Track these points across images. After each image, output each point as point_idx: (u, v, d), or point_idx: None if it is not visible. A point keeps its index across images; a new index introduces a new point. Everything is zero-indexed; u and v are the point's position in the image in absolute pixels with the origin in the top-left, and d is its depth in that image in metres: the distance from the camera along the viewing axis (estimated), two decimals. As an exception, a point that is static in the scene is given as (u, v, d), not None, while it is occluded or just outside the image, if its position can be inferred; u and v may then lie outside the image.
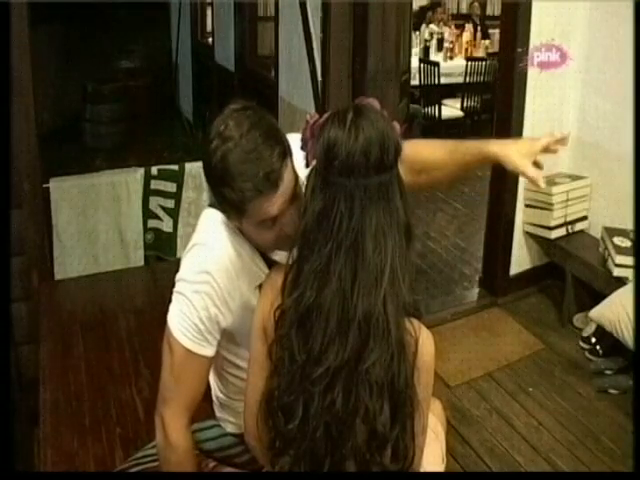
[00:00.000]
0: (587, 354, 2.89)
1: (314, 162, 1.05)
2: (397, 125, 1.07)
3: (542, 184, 1.36)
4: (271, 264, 1.33)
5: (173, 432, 1.26)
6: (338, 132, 1.01)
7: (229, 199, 1.17)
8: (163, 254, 2.90)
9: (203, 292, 1.24)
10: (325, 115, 1.06)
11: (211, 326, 1.26)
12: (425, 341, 1.08)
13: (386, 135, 1.02)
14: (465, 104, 5.64)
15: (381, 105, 1.10)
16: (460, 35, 6.46)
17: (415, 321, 1.07)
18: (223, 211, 1.26)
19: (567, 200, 3.16)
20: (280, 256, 1.33)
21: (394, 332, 1.02)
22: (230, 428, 1.51)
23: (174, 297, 1.28)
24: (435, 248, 4.00)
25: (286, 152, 1.18)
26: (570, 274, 3.10)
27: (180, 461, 1.27)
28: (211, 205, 1.35)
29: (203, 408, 1.54)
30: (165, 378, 1.28)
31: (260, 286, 1.31)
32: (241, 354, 1.39)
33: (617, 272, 2.79)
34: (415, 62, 5.44)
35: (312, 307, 1.03)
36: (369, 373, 1.01)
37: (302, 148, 1.08)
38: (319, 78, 3.08)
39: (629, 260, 2.76)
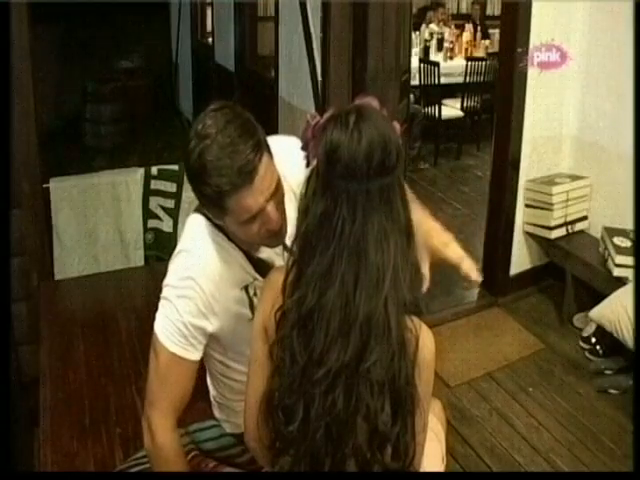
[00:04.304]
0: (587, 354, 2.89)
1: (314, 162, 1.05)
2: (397, 125, 1.07)
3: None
4: (256, 264, 1.35)
5: (159, 434, 1.27)
6: (341, 135, 1.00)
7: (208, 196, 1.18)
8: (163, 254, 2.90)
9: (187, 297, 1.26)
10: (326, 115, 1.06)
11: (195, 331, 1.27)
12: (425, 338, 1.08)
13: (388, 138, 1.02)
14: (465, 104, 5.63)
15: (381, 105, 1.10)
16: (460, 35, 6.45)
17: (415, 319, 1.07)
18: (207, 209, 1.27)
19: (567, 200, 3.16)
20: (266, 253, 1.35)
21: (395, 331, 1.02)
22: (229, 428, 1.52)
23: (160, 303, 1.29)
24: (435, 248, 3.99)
25: (261, 145, 1.19)
26: (570, 274, 3.10)
27: (168, 462, 1.28)
28: (196, 210, 1.36)
29: (203, 408, 1.54)
30: (151, 381, 1.29)
31: (246, 287, 1.33)
32: (231, 355, 1.40)
33: (617, 272, 2.79)
34: (415, 62, 5.43)
35: (314, 309, 1.03)
36: (370, 372, 1.01)
37: (303, 148, 1.09)
38: (319, 78, 3.08)
39: (629, 260, 2.76)
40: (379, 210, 1.01)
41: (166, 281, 1.29)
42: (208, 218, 1.32)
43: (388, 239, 1.02)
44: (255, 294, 1.34)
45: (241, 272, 1.33)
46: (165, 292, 1.28)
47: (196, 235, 1.32)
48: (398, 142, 1.04)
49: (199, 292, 1.26)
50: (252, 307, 1.33)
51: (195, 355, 1.29)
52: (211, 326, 1.29)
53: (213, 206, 1.21)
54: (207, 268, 1.27)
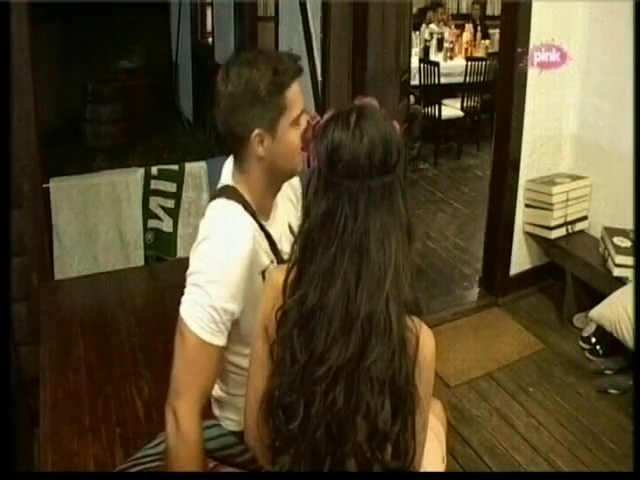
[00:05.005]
0: (587, 354, 2.89)
1: (316, 163, 1.06)
2: (397, 125, 1.08)
3: None
4: (270, 241, 1.38)
5: (186, 424, 1.24)
6: (342, 134, 1.01)
7: (268, 94, 1.26)
8: (163, 254, 2.90)
9: (219, 281, 1.26)
10: (326, 115, 1.06)
11: (225, 315, 1.27)
12: (426, 338, 1.09)
13: (389, 137, 1.03)
14: (465, 104, 5.63)
15: (380, 105, 1.11)
16: (460, 35, 6.46)
17: (416, 318, 1.08)
18: (261, 119, 1.29)
19: (567, 200, 3.16)
20: (274, 228, 1.40)
21: (395, 330, 1.02)
22: (231, 426, 1.51)
23: (188, 290, 1.28)
24: (435, 248, 4.00)
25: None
26: (570, 274, 3.10)
27: (191, 455, 1.25)
28: (213, 197, 1.38)
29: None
30: (178, 370, 1.27)
31: (263, 273, 1.34)
32: (241, 351, 1.40)
33: (617, 272, 2.80)
34: (415, 62, 5.44)
35: (315, 308, 1.03)
36: (370, 370, 1.02)
37: (304, 149, 1.09)
38: (319, 78, 3.08)
39: (629, 260, 2.76)
40: (381, 208, 1.02)
41: (193, 268, 1.29)
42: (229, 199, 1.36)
43: (390, 237, 1.02)
44: None
45: (260, 252, 1.35)
46: (193, 279, 1.28)
47: (219, 222, 1.32)
48: (399, 140, 1.05)
49: (228, 276, 1.26)
50: None
51: (223, 341, 1.29)
52: (237, 310, 1.29)
53: (272, 102, 1.28)
54: (234, 252, 1.28)
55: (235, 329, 1.34)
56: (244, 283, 1.29)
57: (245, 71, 1.27)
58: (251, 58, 1.30)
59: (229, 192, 1.37)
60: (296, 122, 1.32)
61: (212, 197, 1.39)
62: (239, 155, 1.36)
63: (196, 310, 1.25)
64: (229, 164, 1.43)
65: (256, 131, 1.30)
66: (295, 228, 1.48)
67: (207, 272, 1.26)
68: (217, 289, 1.25)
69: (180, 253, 2.85)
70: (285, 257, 1.40)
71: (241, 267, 1.27)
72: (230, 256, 1.27)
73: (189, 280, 1.28)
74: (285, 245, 1.42)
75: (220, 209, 1.34)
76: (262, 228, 1.37)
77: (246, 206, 1.35)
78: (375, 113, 1.05)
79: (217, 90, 1.31)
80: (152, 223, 2.88)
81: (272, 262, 1.37)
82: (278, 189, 1.44)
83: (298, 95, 1.32)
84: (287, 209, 1.52)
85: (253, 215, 1.36)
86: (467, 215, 4.52)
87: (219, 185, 1.43)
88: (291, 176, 1.43)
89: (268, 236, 1.38)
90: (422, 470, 1.19)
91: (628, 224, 2.93)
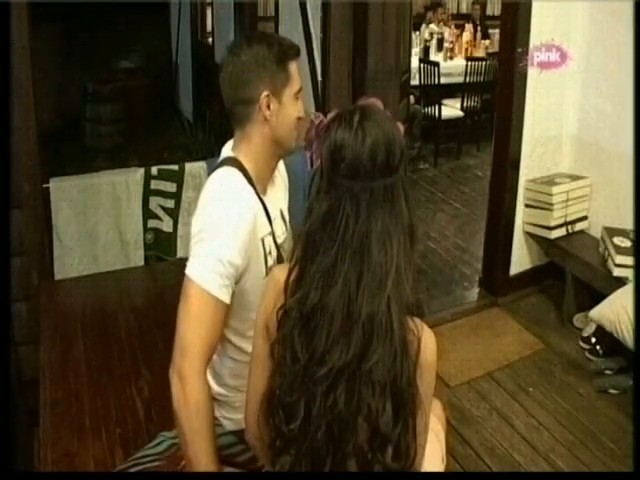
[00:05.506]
0: (587, 354, 2.89)
1: (318, 162, 1.06)
2: (401, 125, 1.08)
3: None
4: (267, 214, 1.42)
5: (192, 383, 1.23)
6: (345, 134, 1.01)
7: (276, 64, 1.37)
8: (163, 254, 2.89)
9: (224, 235, 1.28)
10: (330, 115, 1.07)
11: (230, 267, 1.28)
12: (427, 339, 1.08)
13: (392, 138, 1.03)
14: (465, 104, 5.63)
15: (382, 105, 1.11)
16: (460, 35, 6.46)
17: (417, 320, 1.07)
18: (272, 84, 1.38)
19: (567, 200, 3.17)
20: (271, 203, 1.44)
21: (397, 331, 1.02)
22: (229, 426, 1.51)
23: (194, 247, 1.30)
24: (435, 248, 4.00)
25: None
26: (570, 274, 3.10)
27: (199, 415, 1.23)
28: (217, 167, 1.42)
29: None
30: (183, 328, 1.27)
31: (263, 240, 1.38)
32: (240, 328, 1.41)
33: (617, 272, 2.80)
34: (415, 62, 5.44)
35: (316, 308, 1.03)
36: (372, 372, 1.02)
37: (307, 148, 1.09)
38: (319, 78, 3.08)
39: (629, 260, 2.76)
40: (383, 209, 1.02)
41: (197, 228, 1.31)
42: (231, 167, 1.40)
43: (391, 238, 1.02)
44: (270, 253, 1.40)
45: (259, 219, 1.38)
46: (200, 236, 1.30)
47: (226, 183, 1.36)
48: (402, 142, 1.05)
49: (234, 231, 1.29)
50: (266, 264, 1.38)
51: (227, 298, 1.29)
52: (242, 265, 1.31)
53: (279, 70, 1.38)
54: (238, 212, 1.31)
55: (236, 291, 1.35)
56: (248, 241, 1.31)
57: (255, 44, 1.39)
58: (259, 36, 1.48)
59: (230, 162, 1.41)
60: (296, 96, 1.42)
61: (213, 169, 1.42)
62: (244, 119, 1.40)
63: (201, 264, 1.27)
64: (228, 145, 1.47)
65: (265, 92, 1.37)
66: (287, 215, 1.51)
67: (212, 228, 1.29)
68: (222, 242, 1.28)
69: (180, 253, 2.85)
70: (279, 241, 1.44)
71: (245, 224, 1.31)
72: (235, 212, 1.31)
73: (196, 238, 1.31)
74: (277, 229, 1.46)
75: (222, 175, 1.38)
76: (260, 200, 1.41)
77: (246, 175, 1.39)
78: (378, 114, 1.05)
79: (227, 61, 1.39)
80: (152, 223, 2.88)
81: (269, 234, 1.41)
82: (275, 164, 1.49)
83: (297, 73, 1.42)
84: (280, 195, 1.56)
85: (252, 185, 1.39)
86: (467, 215, 4.52)
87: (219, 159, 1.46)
88: (286, 152, 1.47)
89: (265, 209, 1.42)
90: (422, 470, 1.19)
91: (628, 224, 2.93)
